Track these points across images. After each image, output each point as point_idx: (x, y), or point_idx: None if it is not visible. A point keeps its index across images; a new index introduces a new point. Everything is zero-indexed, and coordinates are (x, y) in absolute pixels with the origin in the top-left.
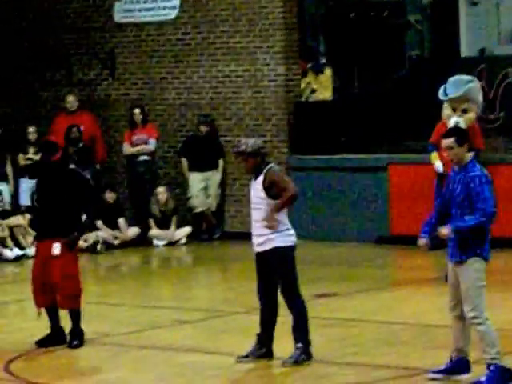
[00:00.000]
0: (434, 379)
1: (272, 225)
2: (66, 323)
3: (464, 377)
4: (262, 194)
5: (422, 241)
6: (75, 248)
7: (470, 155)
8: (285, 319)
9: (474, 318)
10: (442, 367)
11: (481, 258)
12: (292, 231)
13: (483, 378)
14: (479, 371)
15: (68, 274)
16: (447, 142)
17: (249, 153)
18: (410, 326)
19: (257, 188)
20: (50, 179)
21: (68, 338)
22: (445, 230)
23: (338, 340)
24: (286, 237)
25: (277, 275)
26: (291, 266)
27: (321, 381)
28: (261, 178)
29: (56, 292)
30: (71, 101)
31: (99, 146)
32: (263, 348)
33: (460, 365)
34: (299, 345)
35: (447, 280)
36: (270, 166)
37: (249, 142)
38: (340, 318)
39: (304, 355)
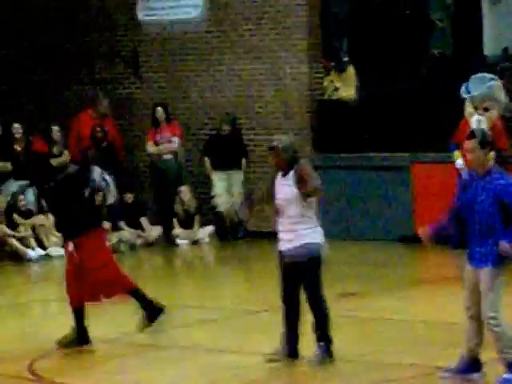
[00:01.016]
0: (448, 378)
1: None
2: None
3: (475, 376)
4: (294, 190)
5: (424, 231)
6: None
7: (492, 157)
8: (307, 318)
9: (492, 318)
10: (453, 366)
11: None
12: (319, 229)
13: (507, 375)
14: (491, 371)
15: (100, 265)
16: (469, 143)
17: (280, 148)
18: (432, 324)
19: (287, 184)
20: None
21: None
22: (505, 246)
23: (359, 338)
24: (316, 234)
25: (305, 273)
26: (319, 263)
27: (342, 379)
28: (291, 174)
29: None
30: (105, 106)
31: (119, 147)
32: (291, 348)
33: (472, 364)
34: (322, 344)
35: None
36: (300, 162)
37: (282, 138)
38: (362, 316)
39: (326, 354)
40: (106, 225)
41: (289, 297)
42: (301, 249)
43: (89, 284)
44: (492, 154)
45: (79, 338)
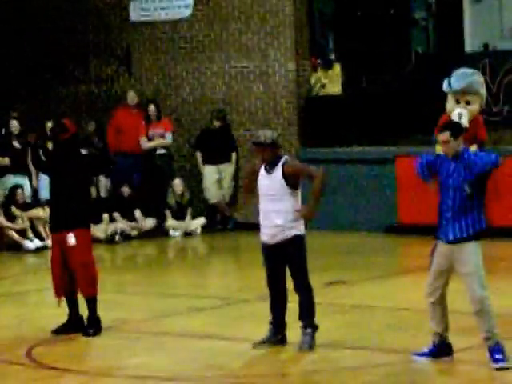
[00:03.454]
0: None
1: (310, 213)
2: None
3: (447, 360)
4: (283, 185)
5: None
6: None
7: (462, 146)
8: (291, 306)
9: (485, 297)
10: (426, 350)
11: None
12: (302, 220)
13: (500, 356)
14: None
15: (84, 262)
16: (443, 136)
17: (267, 144)
18: (417, 311)
19: (274, 179)
20: (59, 162)
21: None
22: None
23: (347, 326)
24: (301, 225)
25: (292, 263)
26: (305, 253)
27: (331, 365)
28: (278, 169)
29: (75, 281)
30: (132, 96)
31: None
32: (278, 335)
33: (443, 348)
34: (309, 330)
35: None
36: (285, 157)
37: (267, 134)
38: (349, 304)
39: (313, 340)
40: (105, 215)
41: (275, 285)
42: (290, 242)
43: (72, 278)
44: (474, 146)
45: (73, 326)
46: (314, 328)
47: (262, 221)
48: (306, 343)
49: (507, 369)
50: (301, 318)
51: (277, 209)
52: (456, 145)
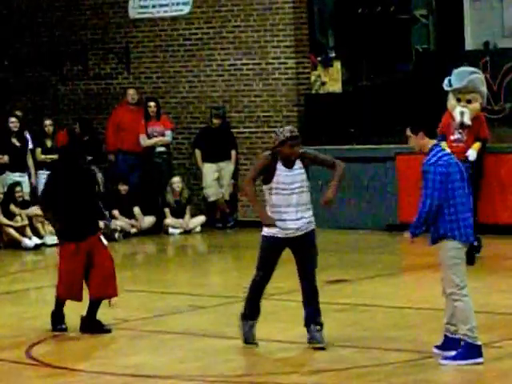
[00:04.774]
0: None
1: (331, 200)
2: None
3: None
4: (305, 177)
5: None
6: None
7: (431, 142)
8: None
9: (451, 294)
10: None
11: (452, 238)
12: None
13: (453, 353)
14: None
15: (111, 262)
16: (406, 131)
17: (294, 138)
18: (419, 310)
19: (298, 173)
20: (73, 176)
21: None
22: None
23: (349, 324)
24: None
25: (309, 256)
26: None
27: (334, 364)
28: (298, 162)
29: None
30: (132, 94)
31: None
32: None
33: (457, 342)
34: (319, 327)
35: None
36: (301, 150)
37: (295, 128)
38: (351, 303)
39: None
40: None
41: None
42: (311, 235)
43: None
44: (478, 144)
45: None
46: (322, 325)
47: (283, 215)
48: (322, 341)
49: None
50: (315, 316)
51: (302, 202)
52: (417, 140)
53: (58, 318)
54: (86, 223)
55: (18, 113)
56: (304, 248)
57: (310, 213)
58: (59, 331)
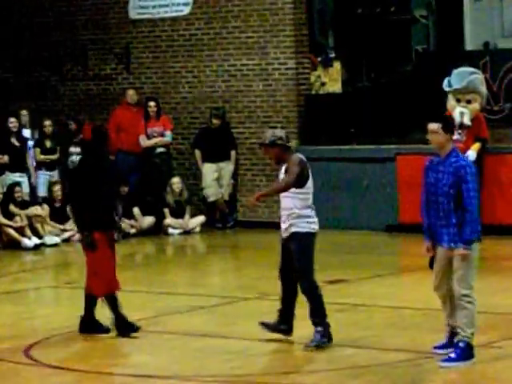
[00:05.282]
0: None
1: (250, 201)
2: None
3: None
4: None
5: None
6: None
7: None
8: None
9: (465, 295)
10: (443, 342)
11: (477, 239)
12: (313, 219)
13: (453, 355)
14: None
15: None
16: (433, 125)
17: (266, 144)
18: (418, 310)
19: (281, 178)
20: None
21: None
22: (461, 252)
23: (349, 324)
24: (305, 223)
25: (294, 259)
26: (307, 251)
27: (333, 364)
28: (283, 167)
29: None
30: (131, 94)
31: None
32: (284, 325)
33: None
34: (319, 328)
35: (432, 266)
36: (292, 156)
37: (267, 134)
38: (351, 303)
39: (325, 338)
40: None
41: (283, 277)
42: (290, 238)
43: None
44: (478, 144)
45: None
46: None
47: (281, 217)
48: (314, 341)
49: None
50: (310, 316)
51: (285, 206)
52: (444, 139)
53: (94, 320)
54: (112, 215)
55: (24, 112)
56: (289, 251)
57: (293, 217)
58: (105, 332)
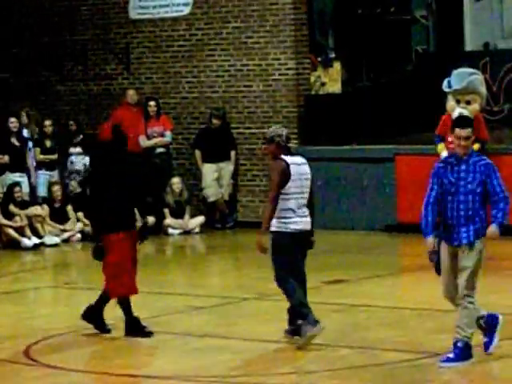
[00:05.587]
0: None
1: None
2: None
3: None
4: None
5: (431, 241)
6: None
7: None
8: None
9: (467, 296)
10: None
11: (482, 239)
12: (293, 220)
13: (451, 355)
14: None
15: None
16: (466, 131)
17: (265, 140)
18: (417, 310)
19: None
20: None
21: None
22: (495, 231)
23: (348, 324)
24: (281, 224)
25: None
26: (278, 249)
27: (332, 364)
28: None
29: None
30: (131, 94)
31: None
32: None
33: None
34: (299, 322)
35: (438, 271)
36: (277, 161)
37: (269, 130)
38: (350, 303)
39: (310, 325)
40: None
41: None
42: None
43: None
44: (477, 145)
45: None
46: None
47: None
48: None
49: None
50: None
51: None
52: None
53: (100, 317)
54: (132, 216)
55: (28, 110)
56: None
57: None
58: (107, 332)
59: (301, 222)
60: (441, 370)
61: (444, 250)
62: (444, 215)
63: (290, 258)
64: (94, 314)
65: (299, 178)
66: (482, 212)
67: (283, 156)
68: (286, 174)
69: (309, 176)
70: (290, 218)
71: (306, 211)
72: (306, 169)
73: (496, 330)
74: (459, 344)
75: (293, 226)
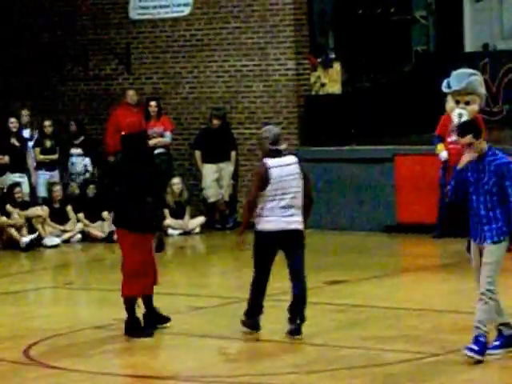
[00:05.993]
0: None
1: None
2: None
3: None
4: None
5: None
6: None
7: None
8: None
9: (489, 291)
10: (496, 343)
11: (506, 238)
12: (272, 218)
13: (476, 347)
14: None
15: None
16: (466, 140)
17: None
18: (416, 311)
19: None
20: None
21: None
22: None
23: (348, 325)
24: (262, 224)
25: None
26: (255, 247)
27: (332, 364)
28: None
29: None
30: (131, 95)
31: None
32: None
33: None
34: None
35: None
36: (260, 163)
37: (264, 128)
38: (350, 303)
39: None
40: (104, 213)
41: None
42: None
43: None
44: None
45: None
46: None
47: None
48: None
49: (478, 361)
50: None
51: None
52: (480, 144)
53: (137, 322)
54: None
55: (25, 112)
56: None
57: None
58: (150, 336)
59: (282, 221)
60: (440, 370)
61: (473, 247)
62: (470, 213)
63: (262, 257)
64: (152, 318)
65: (281, 180)
66: (502, 211)
67: (267, 158)
68: (263, 179)
69: (297, 176)
70: (267, 217)
71: (291, 211)
72: (295, 169)
73: (509, 347)
74: (481, 338)
75: (270, 226)
